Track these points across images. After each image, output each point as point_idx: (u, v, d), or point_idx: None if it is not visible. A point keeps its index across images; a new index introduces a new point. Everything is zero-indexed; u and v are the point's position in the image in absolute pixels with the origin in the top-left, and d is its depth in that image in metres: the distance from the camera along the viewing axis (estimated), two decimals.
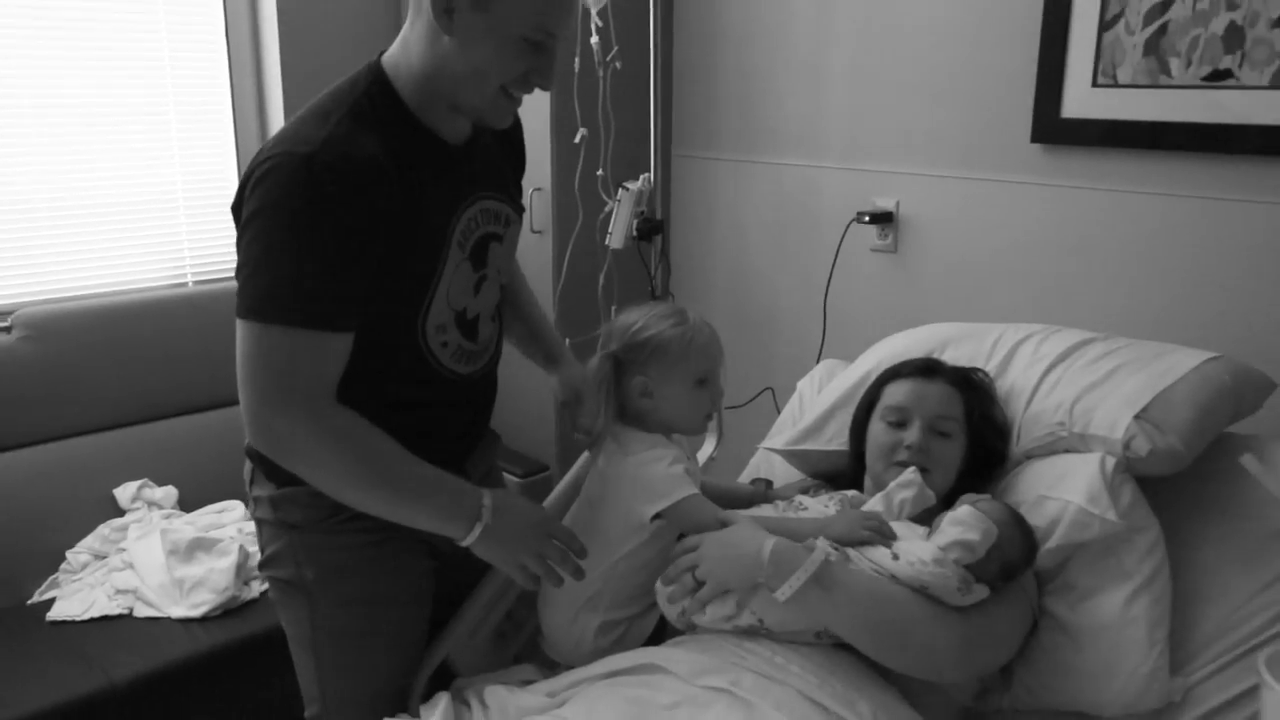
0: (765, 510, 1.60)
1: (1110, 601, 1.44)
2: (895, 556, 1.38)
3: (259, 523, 1.55)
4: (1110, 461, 1.49)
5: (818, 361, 2.48)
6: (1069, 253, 2.16)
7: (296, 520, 1.49)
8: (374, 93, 1.37)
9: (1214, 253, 1.97)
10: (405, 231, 1.34)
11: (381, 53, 1.42)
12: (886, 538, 1.41)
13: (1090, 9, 2.04)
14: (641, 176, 2.52)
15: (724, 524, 1.46)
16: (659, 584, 1.50)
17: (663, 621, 1.56)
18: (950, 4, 2.24)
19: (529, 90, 1.39)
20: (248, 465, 1.56)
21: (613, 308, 2.62)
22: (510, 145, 1.60)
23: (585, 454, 1.73)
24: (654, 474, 1.49)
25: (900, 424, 1.58)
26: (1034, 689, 1.48)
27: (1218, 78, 1.92)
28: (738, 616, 1.41)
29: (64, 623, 2.12)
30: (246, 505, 1.60)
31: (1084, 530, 1.45)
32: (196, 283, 2.85)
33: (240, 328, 1.31)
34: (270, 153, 1.30)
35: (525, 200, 1.66)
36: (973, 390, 1.63)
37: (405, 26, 1.38)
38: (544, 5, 1.30)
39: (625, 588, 1.54)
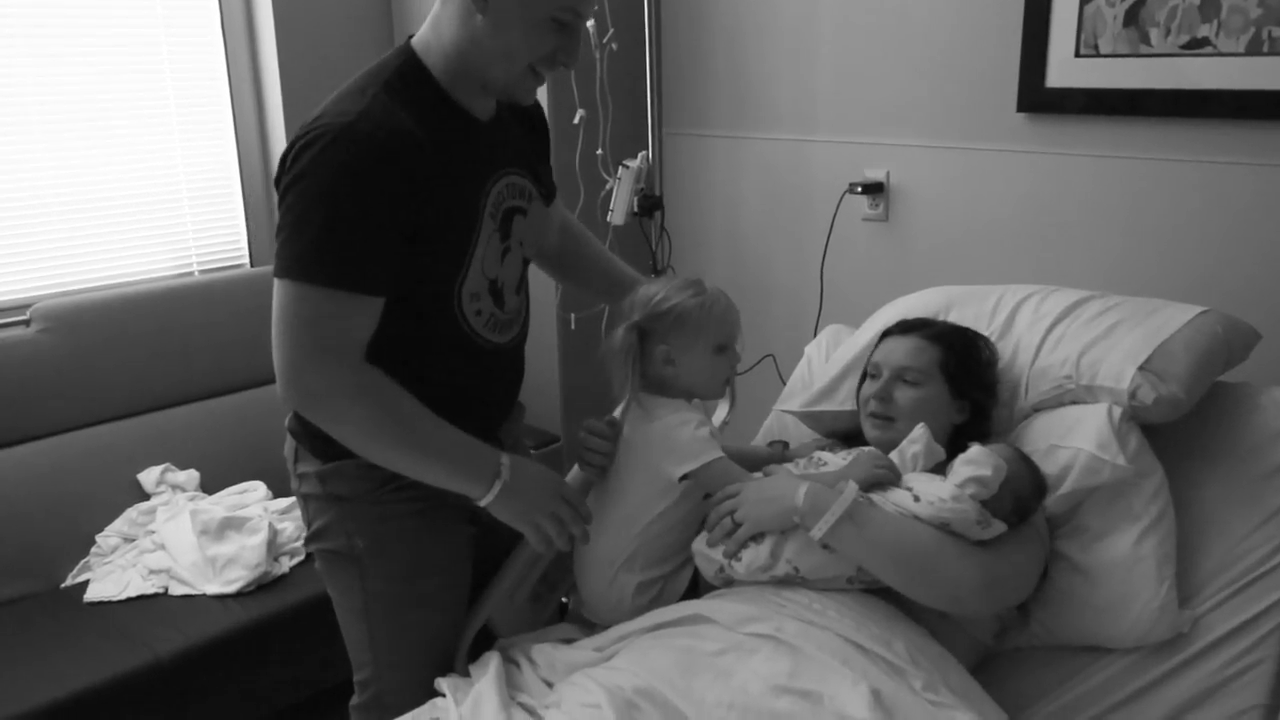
0: (788, 469, 1.64)
1: (1121, 542, 1.50)
2: (916, 498, 1.43)
3: (305, 498, 1.57)
4: (1117, 411, 1.55)
5: (816, 327, 2.53)
6: (1055, 217, 2.21)
7: (345, 493, 1.51)
8: (405, 70, 1.40)
9: (1194, 212, 2.03)
10: (440, 201, 1.37)
11: (410, 35, 1.46)
12: (896, 475, 1.47)
13: None
14: (640, 154, 2.55)
15: None
16: (698, 539, 1.54)
17: (695, 580, 1.61)
18: None
19: (554, 69, 1.42)
20: (290, 443, 1.58)
21: None
22: (532, 126, 1.63)
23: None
24: (682, 436, 1.53)
25: (874, 378, 1.65)
26: (1051, 626, 1.54)
27: (1195, 45, 1.97)
28: (774, 567, 1.45)
29: (102, 603, 2.12)
30: (288, 483, 1.62)
31: (1095, 476, 1.51)
32: (202, 272, 2.84)
33: (276, 287, 1.34)
34: (309, 127, 1.33)
35: None
36: (949, 343, 1.65)
37: (436, 6, 1.41)
38: None
39: (658, 547, 1.58)
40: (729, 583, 1.52)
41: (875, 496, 1.45)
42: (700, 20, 2.70)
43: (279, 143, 2.84)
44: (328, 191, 1.30)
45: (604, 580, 1.59)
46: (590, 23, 2.44)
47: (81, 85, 2.53)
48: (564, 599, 1.84)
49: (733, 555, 1.47)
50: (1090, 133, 2.13)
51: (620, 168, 2.52)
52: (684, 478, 1.52)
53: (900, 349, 1.63)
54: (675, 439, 1.53)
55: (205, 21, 2.74)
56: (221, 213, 2.86)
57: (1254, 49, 1.91)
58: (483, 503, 1.44)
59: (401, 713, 1.48)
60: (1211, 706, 1.41)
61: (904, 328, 1.69)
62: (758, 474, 1.57)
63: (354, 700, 1.64)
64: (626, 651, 1.44)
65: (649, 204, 2.57)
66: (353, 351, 1.35)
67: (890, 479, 1.46)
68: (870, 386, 1.64)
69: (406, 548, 1.54)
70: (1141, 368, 1.55)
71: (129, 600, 2.13)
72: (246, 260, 2.93)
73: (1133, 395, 1.54)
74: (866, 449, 1.62)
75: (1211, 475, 1.58)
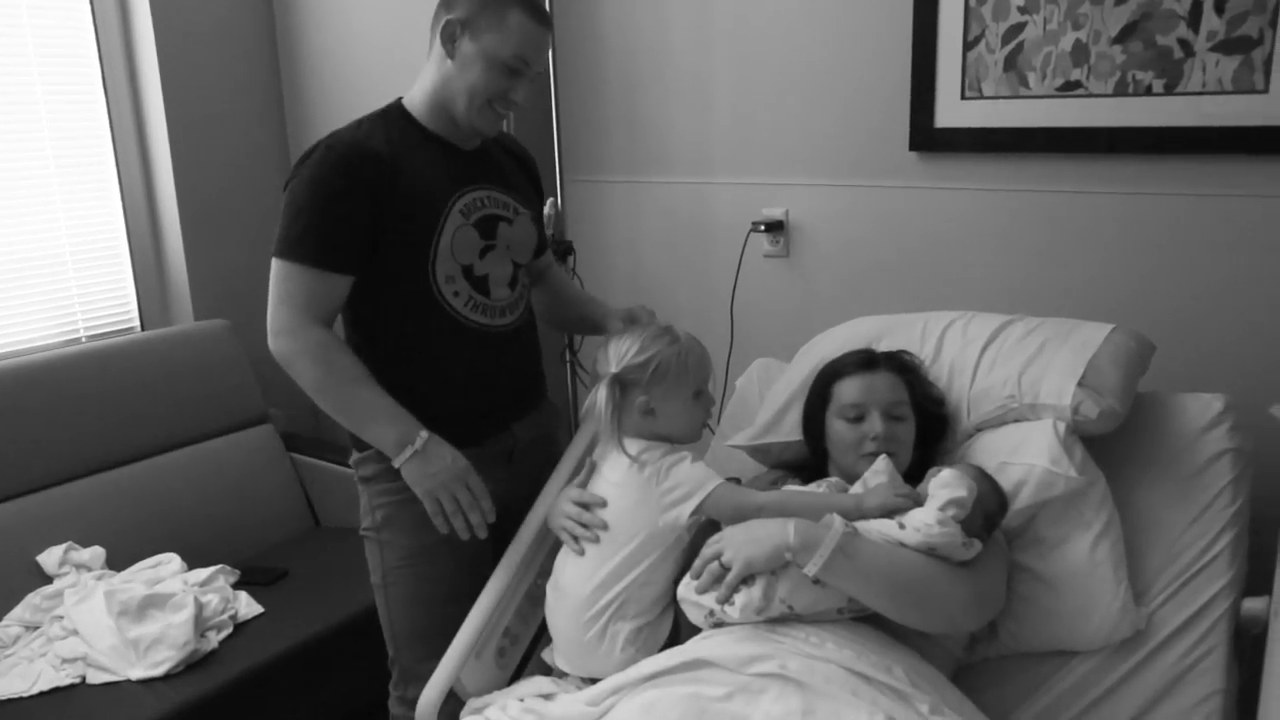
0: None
1: (1077, 549, 1.50)
2: (901, 526, 1.39)
3: (356, 486, 1.74)
4: (1061, 426, 1.56)
5: (728, 363, 2.49)
6: (947, 248, 2.25)
7: (369, 474, 1.69)
8: (388, 110, 1.68)
9: (1076, 238, 2.10)
10: (402, 199, 1.58)
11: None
12: (918, 502, 1.42)
13: (954, 31, 2.12)
14: (549, 200, 2.46)
15: (759, 507, 1.44)
16: (683, 585, 1.45)
17: (677, 626, 1.52)
18: (826, 28, 2.28)
19: (509, 106, 1.63)
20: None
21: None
22: (524, 167, 1.85)
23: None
24: (681, 473, 1.47)
25: (859, 418, 1.58)
26: (1019, 635, 1.52)
27: (1069, 88, 2.04)
28: (769, 608, 1.37)
29: (10, 701, 1.85)
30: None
31: (1050, 489, 1.51)
32: (90, 338, 2.58)
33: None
34: (307, 150, 1.61)
35: None
36: (911, 372, 1.66)
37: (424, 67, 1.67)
38: (519, 39, 1.58)
39: (649, 593, 1.49)
40: (718, 625, 1.43)
41: (858, 525, 1.40)
42: (594, 69, 2.64)
43: (168, 200, 2.62)
44: (301, 190, 1.56)
45: (593, 631, 1.48)
46: None
47: None
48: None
49: (725, 600, 1.39)
50: (978, 169, 2.18)
51: None
52: (694, 513, 1.45)
53: (881, 386, 1.58)
54: (675, 478, 1.47)
55: (85, 78, 2.50)
56: (108, 275, 2.61)
57: (1120, 91, 1.99)
58: (395, 463, 1.57)
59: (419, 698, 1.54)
60: (1178, 696, 1.43)
61: (864, 364, 1.63)
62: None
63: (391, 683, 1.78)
64: (627, 703, 1.34)
65: (562, 248, 2.48)
66: (314, 316, 1.56)
67: (908, 506, 1.41)
68: (859, 429, 1.56)
69: (416, 524, 1.64)
70: (1080, 384, 1.57)
71: (42, 695, 1.87)
72: (137, 324, 2.67)
73: (1076, 410, 1.56)
74: (834, 481, 1.57)
75: (1143, 479, 1.61)
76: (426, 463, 1.56)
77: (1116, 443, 1.63)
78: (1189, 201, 1.98)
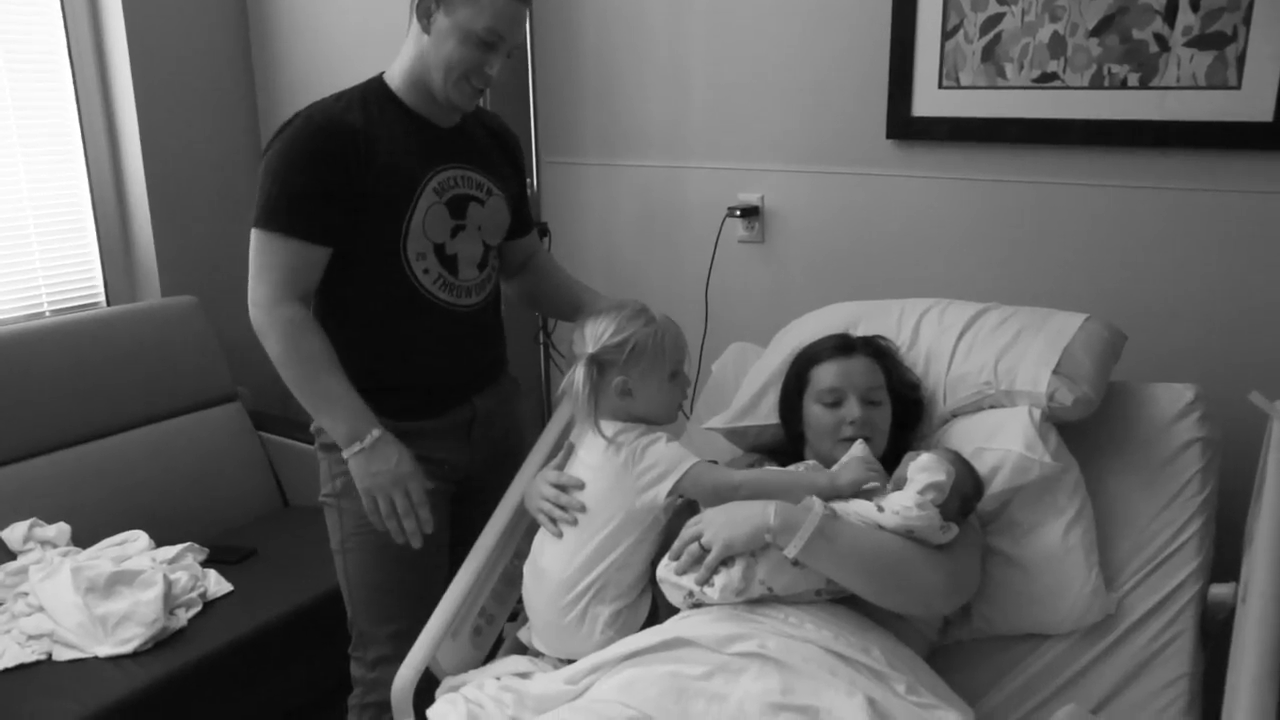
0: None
1: (1051, 534, 1.52)
2: (880, 509, 1.40)
3: (318, 453, 1.74)
4: (1037, 412, 1.57)
5: (702, 347, 2.49)
6: (922, 236, 2.25)
7: (329, 442, 1.67)
8: (369, 85, 1.68)
9: (1050, 228, 2.11)
10: (377, 175, 1.59)
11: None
12: (885, 479, 1.43)
13: (933, 20, 2.13)
14: (526, 182, 2.43)
15: (736, 485, 1.44)
16: (663, 566, 1.45)
17: (655, 607, 1.52)
18: (805, 14, 2.27)
19: (484, 81, 1.63)
20: None
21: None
22: (505, 150, 1.84)
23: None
24: (657, 453, 1.46)
25: (836, 403, 1.58)
26: (992, 618, 1.54)
27: (1045, 80, 2.05)
28: (748, 589, 1.37)
29: None
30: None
31: (1025, 474, 1.52)
32: (54, 312, 2.51)
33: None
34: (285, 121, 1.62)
35: None
36: (887, 357, 1.66)
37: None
38: (493, 13, 1.57)
39: (627, 576, 1.48)
40: (697, 606, 1.43)
41: (837, 506, 1.41)
42: (571, 50, 2.62)
43: (135, 172, 2.56)
44: (277, 160, 1.57)
45: (573, 614, 1.47)
46: None
47: None
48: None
49: (705, 581, 1.39)
50: (954, 158, 2.18)
51: None
52: (670, 492, 1.44)
53: (858, 371, 1.58)
54: (652, 458, 1.46)
55: (49, 44, 2.43)
56: (73, 248, 2.55)
57: (1096, 84, 2.00)
58: (344, 454, 1.59)
59: (379, 660, 1.68)
60: (1146, 679, 1.45)
61: (840, 349, 1.62)
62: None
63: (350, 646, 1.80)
64: (606, 681, 1.33)
65: (539, 230, 2.46)
66: (290, 289, 1.57)
67: (879, 481, 1.42)
68: (836, 413, 1.56)
69: None
70: (1055, 371, 1.58)
71: (7, 671, 1.84)
72: (102, 298, 2.61)
73: (1051, 397, 1.57)
74: (811, 463, 1.57)
75: (1114, 467, 1.63)
76: (371, 461, 1.58)
77: (1089, 431, 1.65)
78: (1161, 194, 2.00)
